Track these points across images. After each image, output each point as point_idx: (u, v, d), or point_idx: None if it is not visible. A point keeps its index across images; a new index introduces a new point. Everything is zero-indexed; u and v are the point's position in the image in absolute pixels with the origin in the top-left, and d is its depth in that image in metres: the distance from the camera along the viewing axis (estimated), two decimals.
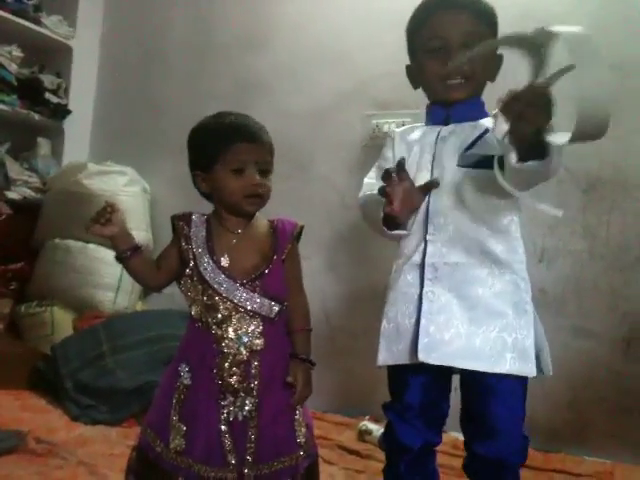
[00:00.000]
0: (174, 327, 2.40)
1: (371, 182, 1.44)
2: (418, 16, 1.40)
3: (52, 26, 3.20)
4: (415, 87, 1.44)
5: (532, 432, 1.35)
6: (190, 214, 1.34)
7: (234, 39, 3.05)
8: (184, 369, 1.29)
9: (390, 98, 2.58)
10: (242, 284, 1.26)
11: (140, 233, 2.92)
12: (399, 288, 1.36)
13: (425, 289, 1.31)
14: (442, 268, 1.31)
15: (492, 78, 1.41)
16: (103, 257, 2.84)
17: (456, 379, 1.37)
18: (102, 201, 1.29)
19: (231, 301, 1.26)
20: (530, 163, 1.11)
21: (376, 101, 2.66)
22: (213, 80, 3.07)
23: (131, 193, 2.99)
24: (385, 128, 2.59)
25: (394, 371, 1.41)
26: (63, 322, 2.76)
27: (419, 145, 1.39)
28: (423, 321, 1.29)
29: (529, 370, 1.28)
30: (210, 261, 1.28)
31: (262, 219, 1.35)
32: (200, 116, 1.35)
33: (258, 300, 1.26)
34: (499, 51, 1.37)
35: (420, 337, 1.28)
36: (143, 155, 3.19)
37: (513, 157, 1.12)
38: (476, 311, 1.29)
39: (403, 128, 1.48)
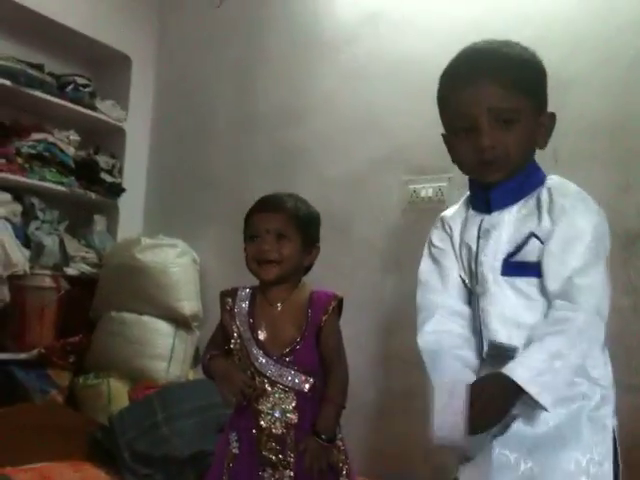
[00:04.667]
0: None
1: (431, 285, 1.28)
2: (441, 91, 1.25)
3: (106, 110, 3.39)
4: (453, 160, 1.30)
5: None
6: (236, 289, 1.39)
7: (274, 114, 3.18)
8: (234, 438, 1.33)
9: (425, 163, 2.65)
10: (276, 359, 1.29)
11: (190, 303, 2.99)
12: None
13: None
14: None
15: (542, 145, 1.24)
16: (156, 328, 2.94)
17: None
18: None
19: (265, 376, 1.29)
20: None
21: (412, 166, 2.72)
22: (256, 152, 3.19)
23: (181, 264, 3.05)
24: (422, 193, 2.66)
25: None
26: (119, 393, 2.83)
27: (464, 240, 1.26)
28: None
29: None
30: (250, 335, 1.33)
31: (306, 290, 1.37)
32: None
33: (291, 375, 1.28)
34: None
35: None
36: (192, 226, 3.31)
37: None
38: (540, 437, 1.13)
39: (451, 214, 1.33)
